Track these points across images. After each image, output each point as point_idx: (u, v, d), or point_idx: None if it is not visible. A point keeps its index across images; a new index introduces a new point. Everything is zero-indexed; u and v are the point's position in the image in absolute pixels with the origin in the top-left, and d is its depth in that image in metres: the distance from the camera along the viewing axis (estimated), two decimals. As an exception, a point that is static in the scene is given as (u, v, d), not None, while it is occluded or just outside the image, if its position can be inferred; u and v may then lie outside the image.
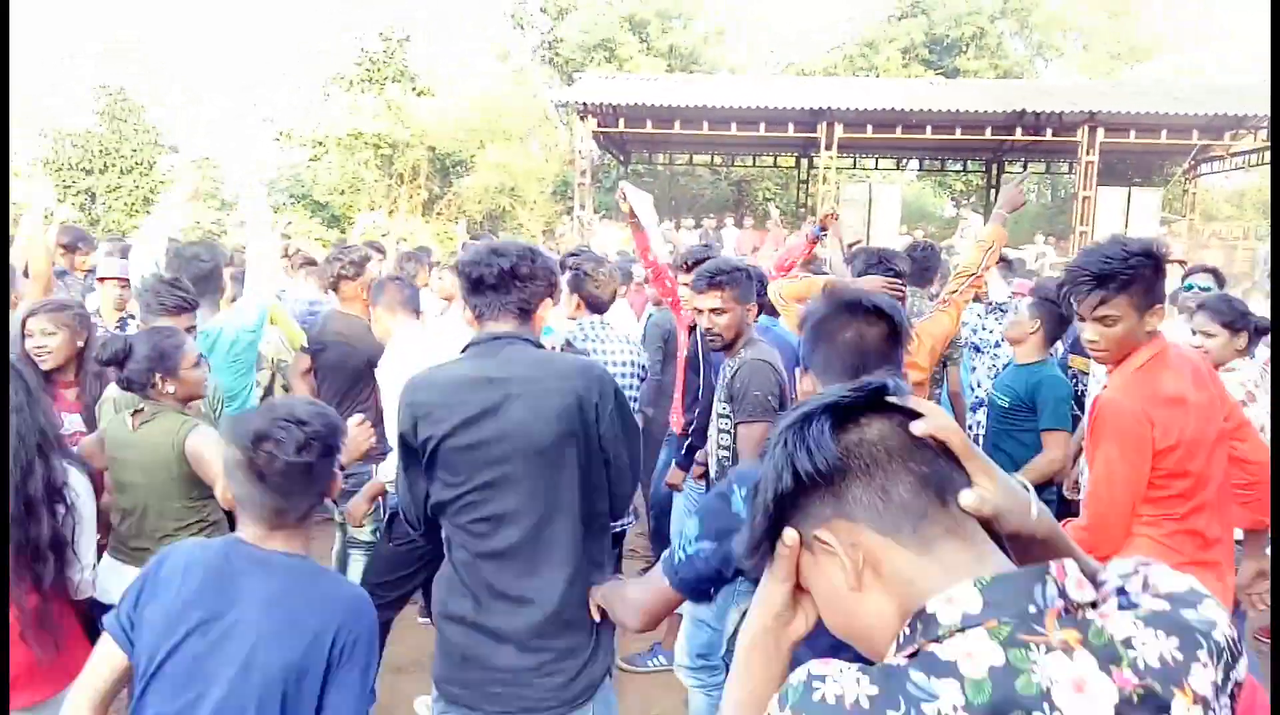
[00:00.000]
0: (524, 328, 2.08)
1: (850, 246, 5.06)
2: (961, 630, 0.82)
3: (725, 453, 3.04)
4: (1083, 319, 2.31)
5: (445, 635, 2.08)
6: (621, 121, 17.25)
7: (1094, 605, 0.84)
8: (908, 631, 0.87)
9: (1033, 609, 0.82)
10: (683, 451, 3.85)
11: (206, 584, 1.65)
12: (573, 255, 4.92)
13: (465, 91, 22.96)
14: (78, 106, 25.99)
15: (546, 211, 22.64)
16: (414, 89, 23.04)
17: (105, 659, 1.68)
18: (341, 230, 20.52)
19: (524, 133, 23.23)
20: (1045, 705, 0.77)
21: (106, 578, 2.53)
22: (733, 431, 2.98)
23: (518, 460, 1.96)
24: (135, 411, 2.63)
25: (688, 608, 3.02)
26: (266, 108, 24.91)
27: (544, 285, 2.10)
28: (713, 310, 2.97)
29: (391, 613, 3.49)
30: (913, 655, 0.84)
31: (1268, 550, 2.73)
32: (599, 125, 17.10)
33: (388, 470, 3.67)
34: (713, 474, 3.15)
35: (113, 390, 2.99)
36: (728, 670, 3.08)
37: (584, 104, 16.66)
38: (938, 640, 0.83)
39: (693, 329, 4.05)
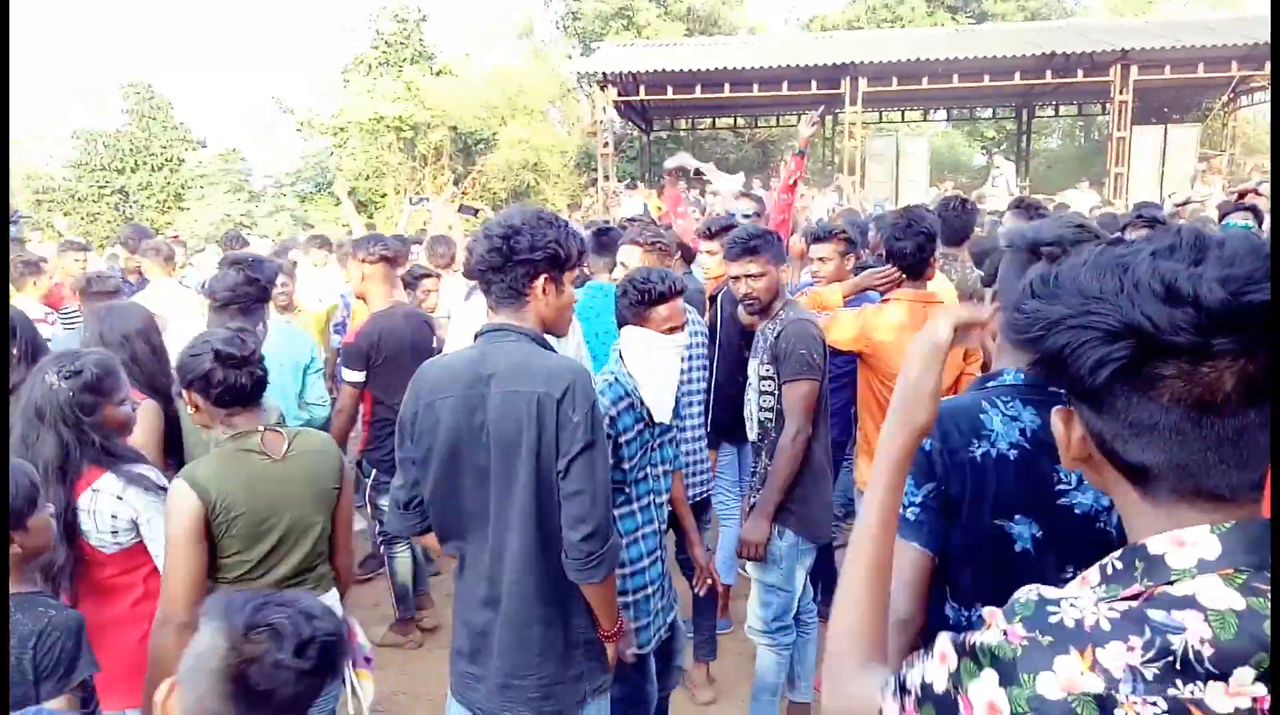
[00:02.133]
0: (522, 312, 2.03)
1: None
2: (1194, 575, 0.80)
3: (768, 415, 3.06)
4: None
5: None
6: (642, 89, 17.09)
7: None
8: (1119, 566, 0.86)
9: (1268, 558, 0.79)
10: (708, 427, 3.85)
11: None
12: (631, 221, 4.92)
13: (484, 68, 22.88)
14: (103, 108, 26.30)
15: (571, 184, 22.59)
16: (433, 69, 23.02)
17: None
18: (370, 216, 20.68)
19: (544, 106, 23.13)
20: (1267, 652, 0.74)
21: None
22: (777, 392, 3.01)
23: (489, 462, 1.98)
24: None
25: (756, 575, 3.09)
26: (286, 97, 25.00)
27: (531, 265, 1.99)
28: (749, 276, 3.03)
29: None
30: (1145, 599, 0.81)
31: None
32: (619, 94, 16.96)
33: None
34: (753, 437, 3.16)
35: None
36: (797, 630, 3.14)
37: (604, 74, 16.53)
38: (1169, 584, 0.81)
39: (713, 299, 4.04)
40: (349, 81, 23.60)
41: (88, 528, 2.29)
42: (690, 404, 3.63)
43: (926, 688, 0.87)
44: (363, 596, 4.56)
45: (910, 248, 3.15)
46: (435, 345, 4.19)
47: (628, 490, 2.56)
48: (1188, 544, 0.81)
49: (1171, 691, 0.75)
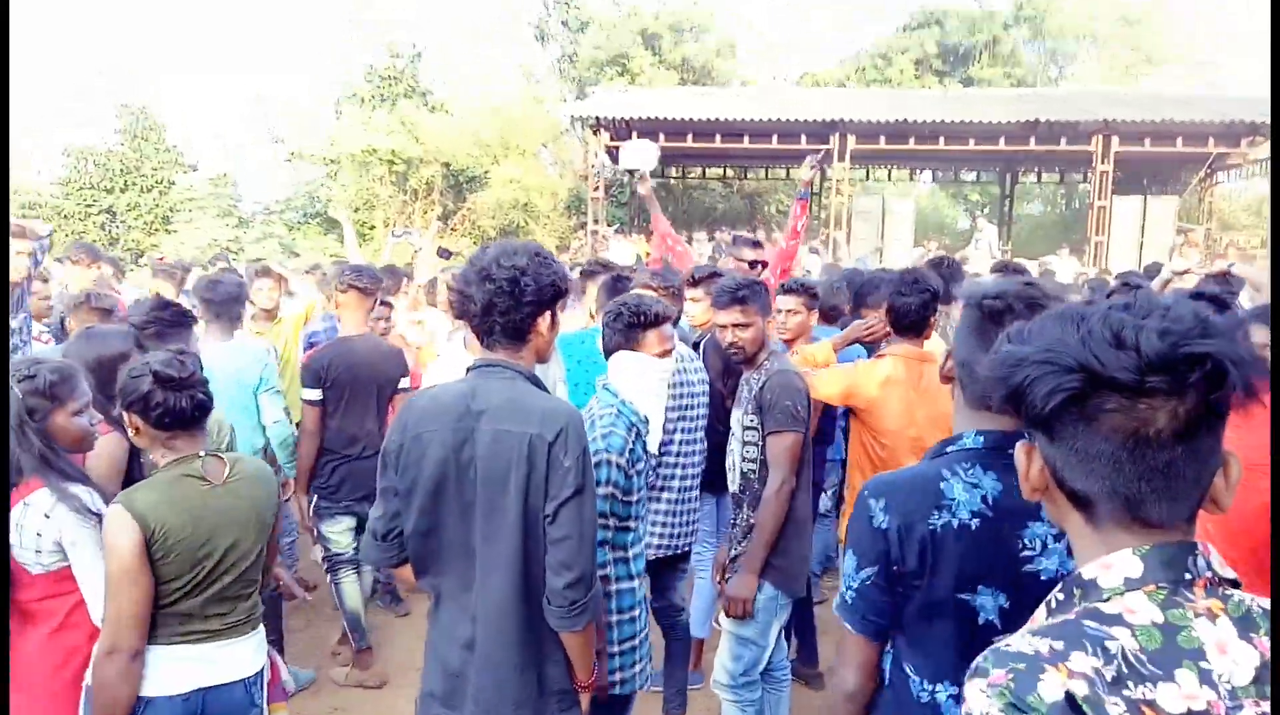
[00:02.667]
0: (518, 351, 2.02)
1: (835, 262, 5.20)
2: (1121, 593, 0.92)
3: (751, 466, 3.06)
4: None
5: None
6: (634, 135, 17.31)
7: (1235, 584, 0.94)
8: (1061, 597, 0.98)
9: (1187, 576, 0.92)
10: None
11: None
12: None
13: (479, 106, 23.12)
14: (97, 126, 26.30)
15: (560, 226, 22.73)
16: (427, 105, 23.23)
17: None
18: (361, 245, 20.68)
19: (537, 148, 23.35)
20: (1203, 660, 0.87)
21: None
22: (760, 442, 3.01)
23: (474, 498, 1.96)
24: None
25: (730, 627, 3.06)
26: (278, 126, 25.11)
27: (536, 306, 1.98)
28: (736, 325, 3.05)
29: None
30: (1078, 613, 0.94)
31: None
32: (611, 138, 17.17)
33: None
34: (734, 489, 3.16)
35: None
36: (770, 685, 3.10)
37: (597, 118, 16.75)
38: (1103, 600, 0.93)
39: (696, 346, 4.06)
40: (341, 113, 23.76)
41: (14, 541, 2.21)
42: (694, 441, 3.59)
43: None
44: (322, 637, 4.48)
45: (915, 304, 3.13)
46: (402, 378, 4.25)
47: (633, 527, 2.56)
48: (1113, 566, 0.93)
49: (1125, 693, 0.86)
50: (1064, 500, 1.01)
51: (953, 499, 1.54)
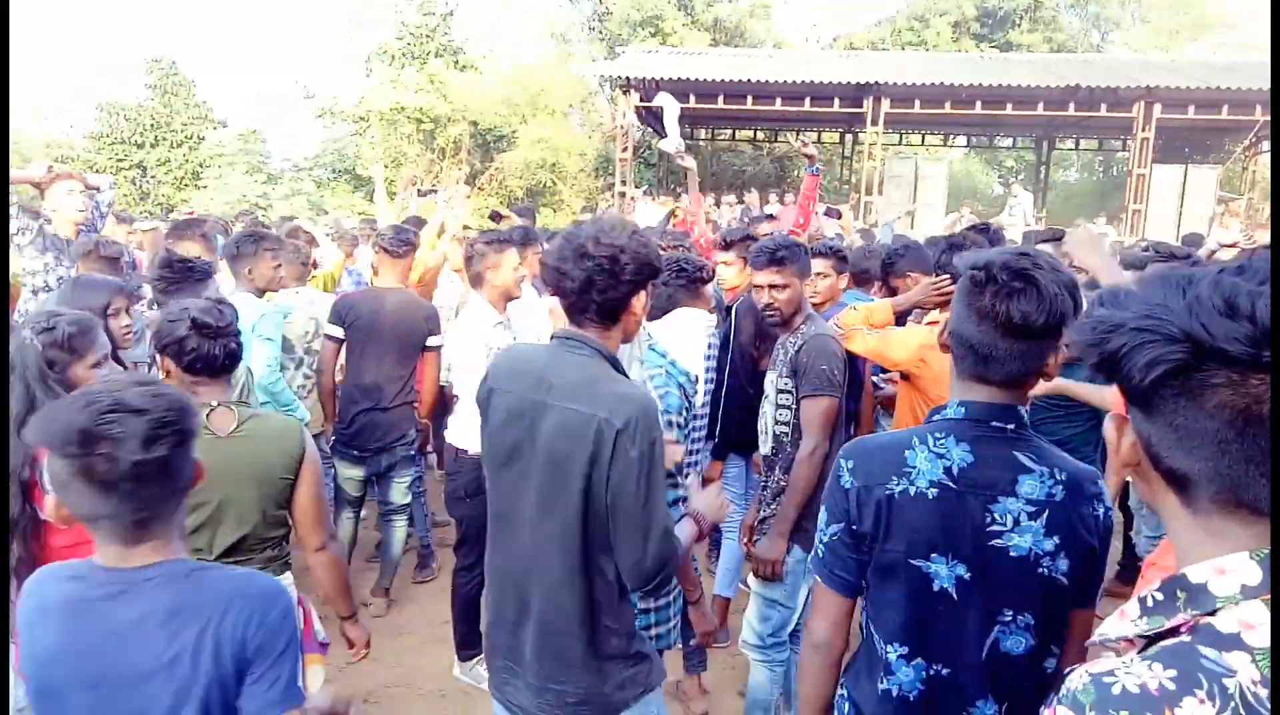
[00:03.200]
0: (608, 330, 1.96)
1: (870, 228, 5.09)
2: (1236, 602, 0.82)
3: (784, 428, 3.04)
4: None
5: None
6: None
7: None
8: (1160, 597, 0.87)
9: None
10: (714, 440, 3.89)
11: (70, 630, 1.38)
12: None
13: (508, 66, 22.94)
14: (126, 82, 26.47)
15: (587, 187, 22.61)
16: (457, 64, 23.08)
17: None
18: (388, 203, 20.68)
19: (566, 108, 23.17)
20: None
21: None
22: (794, 406, 2.98)
23: (535, 472, 1.90)
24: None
25: (758, 588, 3.06)
26: (310, 82, 25.11)
27: (633, 285, 1.92)
28: (773, 286, 3.01)
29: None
30: (1189, 629, 0.83)
31: None
32: (641, 99, 16.99)
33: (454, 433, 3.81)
34: (766, 451, 3.15)
35: None
36: (794, 647, 3.12)
37: (627, 78, 16.56)
38: (1212, 613, 0.83)
39: (728, 310, 4.02)
40: (372, 70, 23.67)
41: (49, 487, 2.26)
42: (707, 401, 3.63)
43: None
44: (355, 587, 4.54)
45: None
46: (431, 336, 4.24)
47: (680, 484, 2.57)
48: (1229, 571, 0.83)
49: None
50: (1159, 480, 0.91)
51: (913, 467, 1.56)
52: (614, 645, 1.98)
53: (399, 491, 4.37)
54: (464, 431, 3.72)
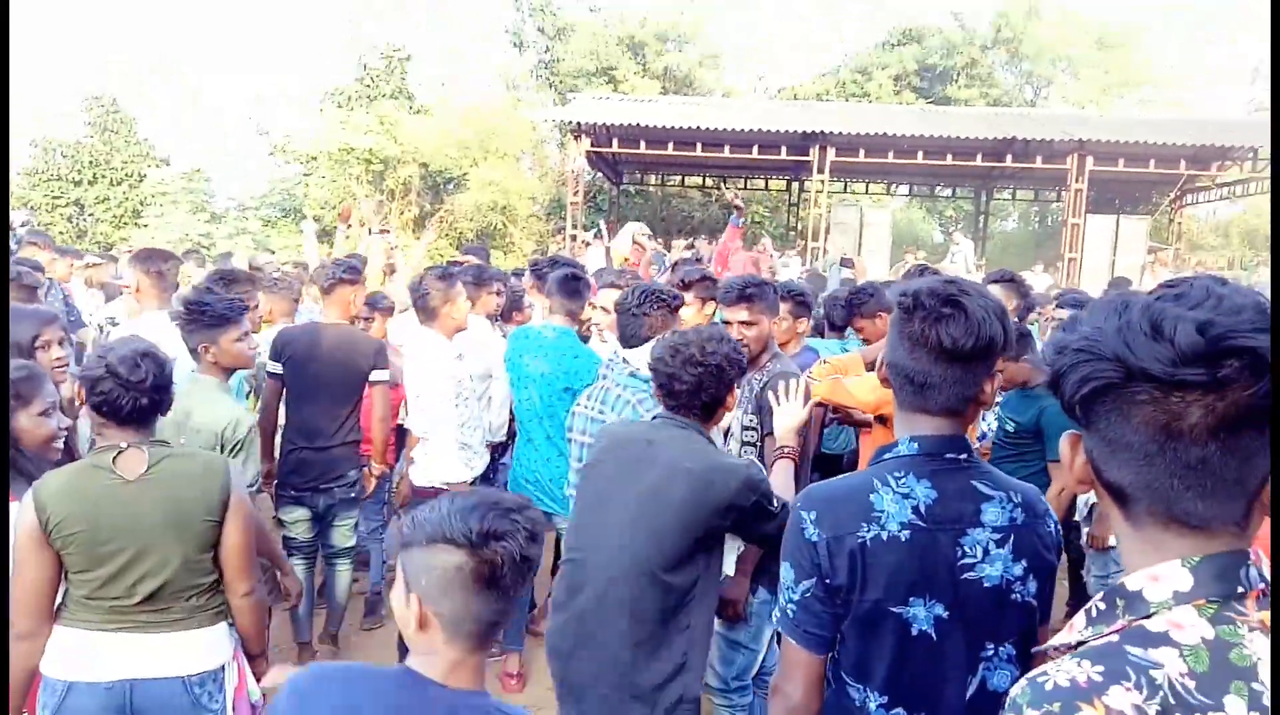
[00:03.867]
0: (708, 423, 2.38)
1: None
2: (1169, 608, 0.87)
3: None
4: None
5: None
6: (615, 141, 17.31)
7: None
8: (1102, 606, 0.93)
9: (1240, 589, 0.87)
10: None
11: None
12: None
13: (459, 110, 23.01)
14: (68, 118, 25.96)
15: (538, 229, 22.66)
16: (411, 108, 23.11)
17: None
18: (331, 244, 20.46)
19: (517, 152, 23.27)
20: (1254, 681, 0.82)
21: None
22: (759, 443, 2.97)
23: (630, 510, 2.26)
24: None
25: (723, 630, 3.00)
26: (265, 121, 24.92)
27: (729, 385, 2.36)
28: (742, 322, 3.05)
29: None
30: (1119, 631, 0.89)
31: None
32: (593, 145, 17.15)
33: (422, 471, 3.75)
34: None
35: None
36: (759, 690, 3.09)
37: (578, 123, 16.72)
38: (1147, 617, 0.88)
39: None
40: (323, 110, 23.54)
41: None
42: None
43: None
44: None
45: None
46: (375, 371, 4.09)
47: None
48: (1161, 578, 0.88)
49: None
50: (1105, 494, 0.96)
51: (881, 511, 1.52)
52: (658, 670, 2.36)
53: (340, 535, 4.23)
54: (428, 470, 3.65)
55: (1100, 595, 0.94)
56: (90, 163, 25.20)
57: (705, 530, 2.21)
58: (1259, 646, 0.83)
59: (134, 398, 2.21)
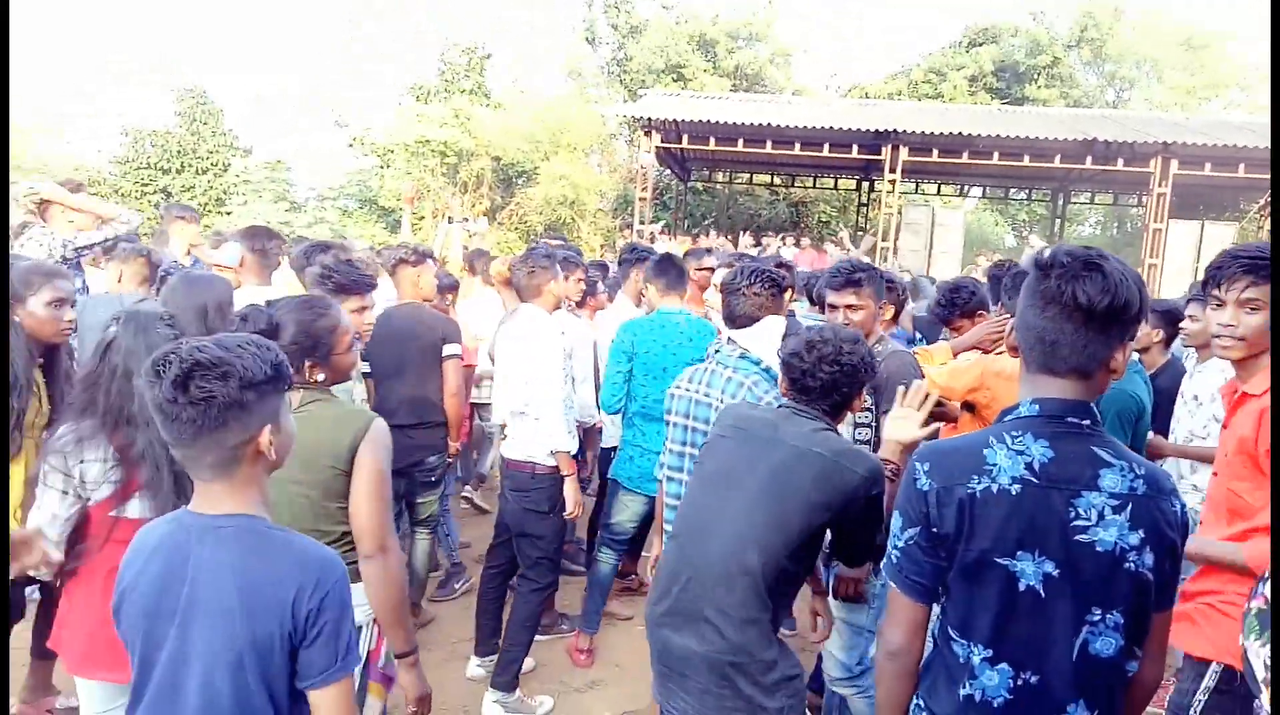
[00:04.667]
0: (832, 418, 2.34)
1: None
2: None
3: (864, 447, 3.03)
4: (1221, 304, 2.26)
5: None
6: (685, 138, 17.37)
7: None
8: None
9: None
10: None
11: (163, 567, 1.51)
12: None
13: (531, 105, 23.35)
14: (154, 107, 27.04)
15: (605, 225, 22.86)
16: (489, 103, 23.55)
17: None
18: (396, 231, 20.98)
19: (587, 147, 23.51)
20: None
21: None
22: (874, 423, 3.01)
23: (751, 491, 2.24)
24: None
25: (844, 615, 3.00)
26: (340, 113, 25.63)
27: (861, 386, 2.35)
28: (849, 307, 3.05)
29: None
30: None
31: None
32: (662, 141, 17.23)
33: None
34: None
35: None
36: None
37: (649, 119, 16.82)
38: None
39: None
40: (401, 104, 24.13)
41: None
42: None
43: None
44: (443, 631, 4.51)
45: None
46: (446, 344, 4.20)
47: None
48: None
49: None
50: None
51: (994, 465, 1.53)
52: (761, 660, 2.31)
53: (423, 508, 4.35)
54: (527, 445, 3.70)
55: None
56: (178, 152, 26.22)
57: (828, 517, 2.19)
58: None
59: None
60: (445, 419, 4.30)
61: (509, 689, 3.67)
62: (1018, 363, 3.04)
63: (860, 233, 17.51)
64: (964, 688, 1.58)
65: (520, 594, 3.76)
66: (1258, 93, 28.27)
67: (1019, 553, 1.51)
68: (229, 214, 23.40)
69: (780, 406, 2.37)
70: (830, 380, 2.27)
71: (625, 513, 4.11)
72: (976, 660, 1.57)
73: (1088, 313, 1.49)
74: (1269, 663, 0.88)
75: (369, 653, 2.37)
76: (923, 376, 2.98)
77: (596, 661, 4.18)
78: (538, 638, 4.22)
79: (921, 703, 1.67)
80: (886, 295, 3.96)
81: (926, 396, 2.40)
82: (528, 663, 3.91)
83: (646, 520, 4.18)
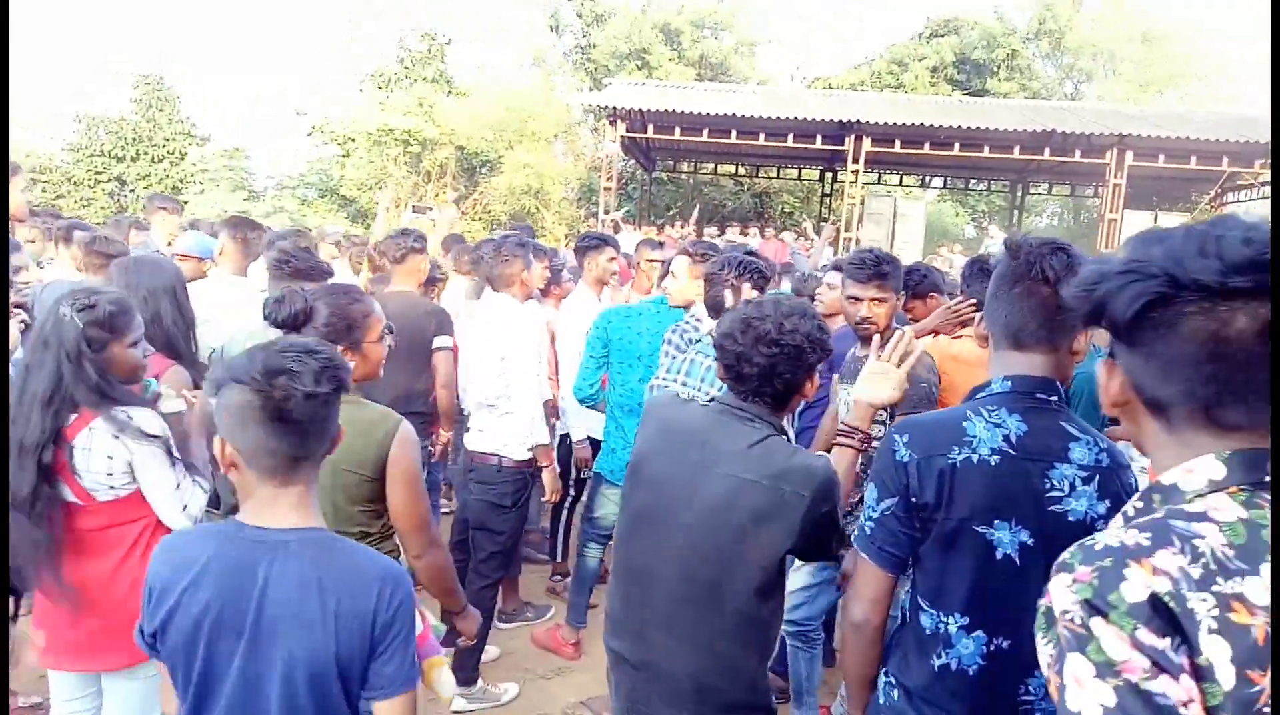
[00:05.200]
0: (779, 412, 2.00)
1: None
2: (1204, 495, 0.96)
3: (878, 442, 3.03)
4: None
5: None
6: (650, 127, 17.34)
7: None
8: (1139, 505, 1.03)
9: (1265, 478, 0.95)
10: None
11: (225, 584, 1.48)
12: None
13: (495, 93, 23.16)
14: (112, 96, 26.50)
15: (570, 215, 22.77)
16: (449, 91, 23.31)
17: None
18: (366, 226, 20.72)
19: (551, 136, 23.39)
20: None
21: None
22: (887, 421, 2.97)
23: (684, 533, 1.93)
24: None
25: (809, 570, 3.10)
26: (300, 101, 25.26)
27: (808, 369, 1.97)
28: (874, 300, 3.02)
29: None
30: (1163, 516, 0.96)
31: None
32: (627, 130, 17.19)
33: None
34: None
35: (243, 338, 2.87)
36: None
37: (614, 108, 16.76)
38: (1186, 502, 0.97)
39: None
40: (363, 91, 23.81)
41: (82, 468, 2.24)
42: None
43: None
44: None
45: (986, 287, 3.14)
46: (437, 337, 4.20)
47: None
48: (1196, 470, 0.97)
49: (1215, 588, 0.88)
50: (1144, 412, 1.04)
51: (974, 436, 1.60)
52: (720, 689, 2.03)
53: None
54: (497, 437, 3.66)
55: (1136, 496, 1.04)
56: (133, 139, 25.66)
57: (782, 549, 1.86)
58: None
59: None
60: (430, 411, 4.25)
61: (470, 682, 3.67)
62: (972, 347, 3.12)
63: (823, 223, 17.60)
64: (938, 658, 1.63)
65: (471, 590, 3.69)
66: (1211, 84, 28.88)
67: (996, 521, 1.57)
68: (185, 203, 22.92)
69: (713, 403, 2.03)
70: (768, 365, 1.90)
71: (609, 506, 4.08)
72: (953, 629, 1.62)
73: (1054, 286, 1.57)
74: (1049, 660, 0.96)
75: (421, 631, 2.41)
76: (937, 373, 2.95)
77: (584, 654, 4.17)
78: (503, 626, 4.24)
79: (892, 679, 1.71)
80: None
81: (907, 354, 2.14)
82: (492, 651, 3.91)
83: None
